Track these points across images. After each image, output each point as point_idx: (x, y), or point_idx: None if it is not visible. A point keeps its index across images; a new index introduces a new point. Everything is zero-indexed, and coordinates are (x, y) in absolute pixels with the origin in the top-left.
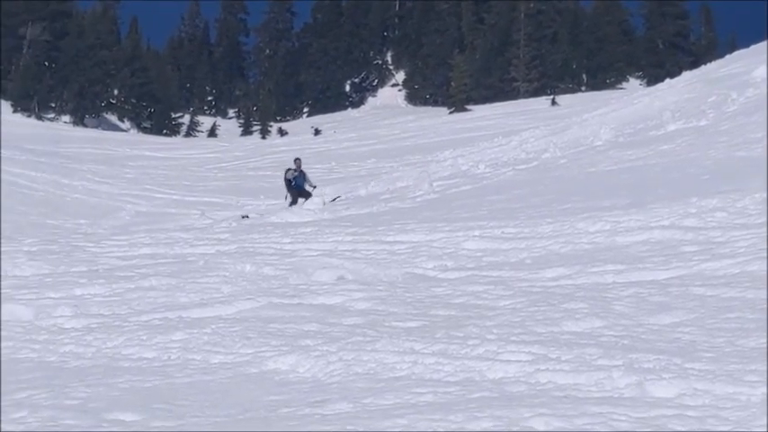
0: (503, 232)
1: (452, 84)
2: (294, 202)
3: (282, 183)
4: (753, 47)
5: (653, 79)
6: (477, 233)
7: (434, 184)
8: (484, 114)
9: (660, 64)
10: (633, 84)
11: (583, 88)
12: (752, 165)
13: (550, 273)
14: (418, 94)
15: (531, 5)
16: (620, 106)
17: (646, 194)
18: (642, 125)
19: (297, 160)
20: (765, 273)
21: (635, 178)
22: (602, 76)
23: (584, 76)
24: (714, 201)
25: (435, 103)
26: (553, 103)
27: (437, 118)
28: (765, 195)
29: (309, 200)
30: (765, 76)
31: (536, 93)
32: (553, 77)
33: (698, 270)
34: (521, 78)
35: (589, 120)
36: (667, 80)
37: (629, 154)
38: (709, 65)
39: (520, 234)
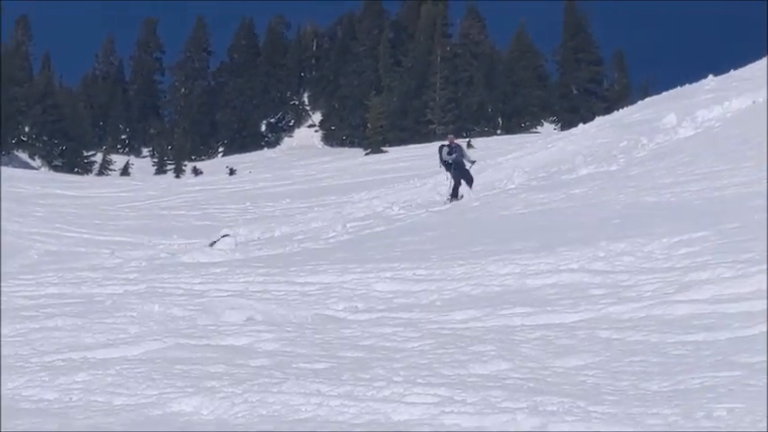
0: (414, 274)
1: (369, 125)
2: (457, 186)
3: (439, 163)
4: (664, 93)
5: (567, 124)
6: (388, 275)
7: (348, 225)
8: (400, 156)
9: (574, 109)
10: (547, 128)
11: (498, 131)
12: (660, 210)
13: (460, 315)
14: (334, 135)
15: (448, 49)
16: (534, 150)
17: (556, 238)
18: (555, 169)
19: (450, 135)
20: (670, 317)
21: (546, 221)
22: (517, 119)
23: (499, 119)
24: (622, 245)
25: (351, 145)
26: (468, 145)
27: (353, 159)
28: (671, 240)
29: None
30: (675, 122)
31: None
32: (469, 120)
33: (605, 313)
34: (437, 121)
35: (503, 163)
36: (581, 125)
37: (541, 197)
38: (621, 110)
39: (431, 276)
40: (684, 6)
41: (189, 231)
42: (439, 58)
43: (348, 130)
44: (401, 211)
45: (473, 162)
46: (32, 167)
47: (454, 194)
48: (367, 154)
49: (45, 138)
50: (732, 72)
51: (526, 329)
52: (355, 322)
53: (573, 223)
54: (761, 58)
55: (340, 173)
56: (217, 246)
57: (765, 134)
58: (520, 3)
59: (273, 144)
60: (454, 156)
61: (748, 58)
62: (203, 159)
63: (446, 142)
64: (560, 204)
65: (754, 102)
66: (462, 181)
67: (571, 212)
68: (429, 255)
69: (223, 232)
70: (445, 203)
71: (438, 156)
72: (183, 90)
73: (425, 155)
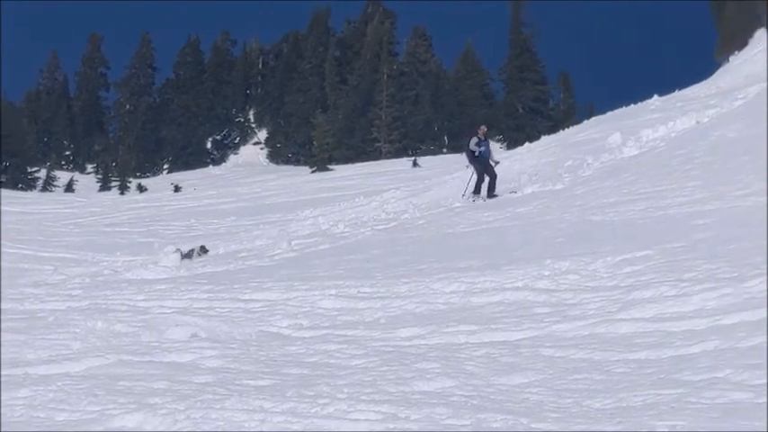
0: (359, 291)
1: (315, 143)
2: (480, 181)
3: (465, 154)
4: (610, 113)
5: (512, 143)
6: (333, 292)
7: (293, 242)
8: (345, 174)
9: (520, 128)
10: (493, 147)
11: (444, 150)
12: (604, 228)
13: (405, 332)
14: (280, 153)
15: (394, 67)
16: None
17: (501, 256)
18: (501, 187)
19: (482, 126)
20: (613, 335)
21: (491, 240)
22: (463, 138)
23: (445, 138)
24: (567, 263)
25: (297, 162)
26: (414, 164)
27: (298, 177)
28: (615, 259)
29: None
30: (620, 142)
31: (398, 154)
32: (415, 139)
33: (549, 331)
34: (383, 139)
35: (449, 181)
36: (526, 144)
37: (486, 216)
38: (567, 130)
39: (376, 293)
40: (630, 27)
41: (133, 248)
42: (385, 77)
43: (294, 147)
44: (346, 229)
45: (497, 162)
46: None
47: (477, 190)
48: (313, 172)
49: None
50: (677, 92)
51: (470, 347)
52: (299, 339)
53: (518, 242)
54: (706, 78)
55: (285, 190)
56: (164, 262)
57: (707, 154)
58: (467, 23)
59: (219, 161)
60: (483, 149)
61: (693, 78)
62: (148, 176)
63: (479, 133)
64: (505, 223)
65: (697, 122)
66: (484, 176)
67: (516, 231)
68: (374, 272)
69: (178, 247)
70: (469, 199)
71: (466, 147)
72: (127, 106)
73: (371, 173)
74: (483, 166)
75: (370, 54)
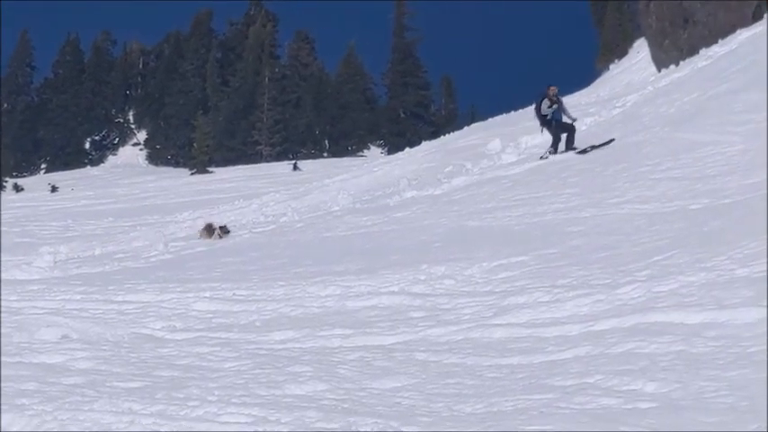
0: (234, 294)
1: (195, 145)
2: (557, 141)
3: (535, 116)
4: (490, 119)
5: (394, 148)
6: (208, 294)
7: (170, 244)
8: (225, 177)
9: (401, 133)
10: (374, 151)
11: (325, 154)
12: (481, 234)
13: (279, 335)
14: (160, 155)
15: (276, 70)
16: (360, 173)
17: (378, 260)
18: (380, 192)
19: (552, 87)
20: (487, 340)
21: (369, 244)
22: (345, 142)
23: (326, 142)
24: (443, 268)
25: (177, 164)
26: (295, 167)
27: (178, 179)
28: (491, 265)
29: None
30: (499, 148)
31: (278, 157)
32: (296, 142)
33: (423, 336)
34: (264, 142)
35: (329, 185)
36: (407, 149)
37: (364, 220)
38: (448, 135)
39: (252, 296)
40: (513, 34)
41: (8, 249)
42: (267, 79)
43: (173, 149)
44: None
45: (574, 119)
46: None
47: (554, 148)
48: (192, 174)
49: None
50: None
51: (344, 351)
52: (172, 341)
53: (395, 246)
54: (586, 86)
55: (164, 192)
56: (38, 262)
57: (585, 162)
58: (349, 25)
59: (97, 162)
60: (554, 109)
61: (573, 86)
62: (25, 176)
63: (549, 94)
64: (383, 227)
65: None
66: (560, 135)
67: (394, 235)
68: (250, 275)
69: (47, 249)
70: (545, 155)
71: (535, 107)
72: (5, 105)
73: (251, 176)
74: (559, 127)
75: (252, 56)
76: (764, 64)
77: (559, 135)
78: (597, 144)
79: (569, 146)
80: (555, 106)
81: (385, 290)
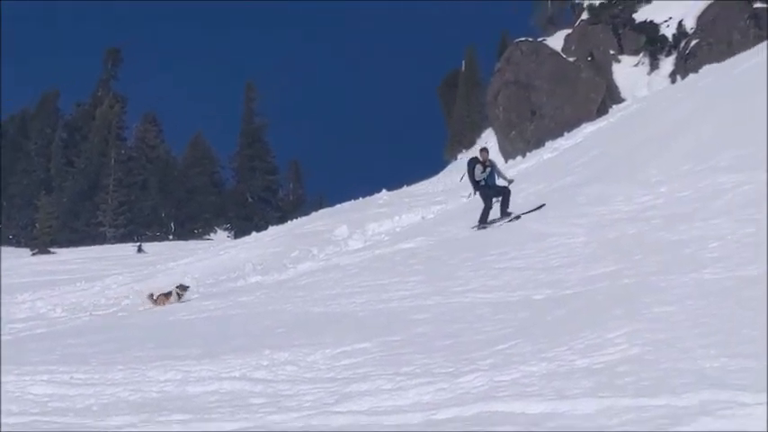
0: (72, 377)
1: (37, 225)
2: (488, 209)
3: (469, 182)
4: (338, 205)
5: (240, 232)
6: (45, 377)
7: (9, 326)
8: (68, 258)
9: (248, 217)
10: (221, 235)
11: (171, 237)
12: (326, 320)
13: (116, 420)
14: (1, 235)
15: (123, 152)
16: (205, 256)
17: (221, 345)
18: (225, 276)
19: (484, 151)
20: (327, 427)
21: (212, 328)
22: (191, 225)
23: (172, 224)
24: (286, 354)
25: (18, 244)
26: (140, 250)
27: (19, 259)
28: (334, 351)
29: None
30: (346, 234)
31: (123, 239)
32: (141, 224)
33: (263, 422)
34: (108, 223)
35: (174, 268)
36: (254, 233)
37: (208, 304)
38: (295, 220)
39: (90, 380)
40: (364, 121)
41: None
42: (113, 161)
43: (15, 229)
44: (64, 314)
45: (510, 181)
46: None
47: (483, 219)
48: (33, 254)
49: None
50: (405, 188)
51: None
52: (5, 426)
53: (238, 331)
54: (434, 175)
55: (4, 272)
56: None
57: (431, 249)
58: (199, 108)
59: None
60: (487, 173)
61: (422, 174)
62: None
63: (481, 158)
64: (227, 311)
65: (423, 217)
66: (492, 202)
67: (238, 320)
68: (89, 358)
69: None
70: (475, 228)
71: (468, 173)
72: None
73: (95, 258)
74: (493, 191)
75: (99, 138)
76: (607, 158)
77: (491, 204)
78: (528, 210)
79: (504, 210)
80: (488, 170)
81: (226, 375)
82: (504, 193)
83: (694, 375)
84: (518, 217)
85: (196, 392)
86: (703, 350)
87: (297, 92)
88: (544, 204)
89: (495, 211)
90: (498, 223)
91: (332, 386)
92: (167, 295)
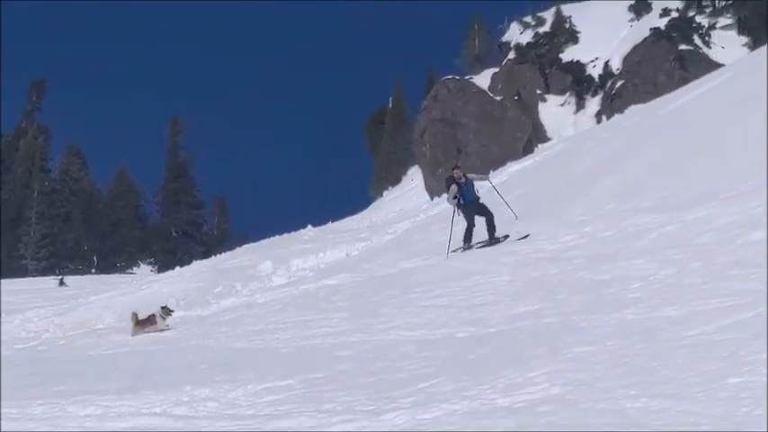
0: None
1: None
2: (471, 227)
3: (453, 202)
4: (263, 241)
5: (164, 266)
6: None
7: None
8: None
9: (172, 251)
10: (144, 269)
11: (93, 270)
12: (248, 356)
13: None
14: None
15: (46, 183)
16: (128, 290)
17: (141, 380)
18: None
19: (455, 170)
20: None
21: (133, 363)
22: (114, 259)
23: (95, 258)
24: (207, 390)
25: None
26: (61, 283)
27: None
28: (257, 387)
29: None
30: (270, 270)
31: (45, 272)
32: (63, 257)
33: None
34: (30, 256)
35: (96, 302)
36: (177, 268)
37: (130, 338)
38: (219, 255)
39: (7, 415)
40: (289, 155)
41: None
42: (36, 193)
43: None
44: None
45: (487, 178)
46: None
47: (467, 238)
48: None
49: None
50: (330, 224)
51: None
52: None
53: (160, 367)
54: (360, 211)
55: None
56: None
57: (355, 286)
58: (124, 141)
59: None
60: (464, 190)
61: (347, 211)
62: None
63: (455, 177)
64: (149, 347)
65: (347, 254)
66: (476, 221)
67: (160, 355)
68: (7, 393)
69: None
70: (458, 250)
71: (450, 193)
72: None
73: (15, 291)
74: (475, 208)
75: (22, 169)
76: (532, 196)
77: (473, 221)
78: (516, 238)
79: (492, 234)
80: (465, 187)
81: (146, 411)
82: (488, 217)
83: (615, 416)
84: (506, 237)
85: (115, 428)
86: (624, 390)
87: (224, 123)
88: (528, 234)
89: (478, 234)
90: (481, 245)
91: (253, 423)
92: (150, 319)
